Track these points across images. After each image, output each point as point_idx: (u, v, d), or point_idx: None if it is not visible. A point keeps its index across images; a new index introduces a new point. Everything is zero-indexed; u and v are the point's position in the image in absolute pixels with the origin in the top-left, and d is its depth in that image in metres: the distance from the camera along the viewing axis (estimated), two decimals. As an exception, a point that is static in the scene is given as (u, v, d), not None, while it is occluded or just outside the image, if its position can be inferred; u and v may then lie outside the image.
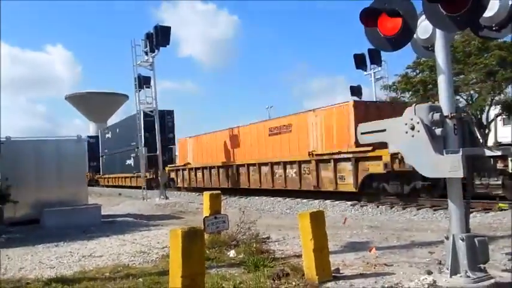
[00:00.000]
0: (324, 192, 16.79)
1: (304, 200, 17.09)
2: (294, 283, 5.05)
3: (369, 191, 15.16)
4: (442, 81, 4.60)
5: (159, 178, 23.47)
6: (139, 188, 30.16)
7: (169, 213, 16.55)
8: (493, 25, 4.42)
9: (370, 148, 14.08)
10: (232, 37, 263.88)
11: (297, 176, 17.90)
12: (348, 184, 15.55)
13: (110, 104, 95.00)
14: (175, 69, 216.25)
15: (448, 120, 4.47)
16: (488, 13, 4.25)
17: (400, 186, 14.09)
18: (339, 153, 15.81)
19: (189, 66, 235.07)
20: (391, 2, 4.56)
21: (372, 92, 28.01)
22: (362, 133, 5.11)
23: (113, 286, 5.44)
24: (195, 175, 26.29)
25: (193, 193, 24.57)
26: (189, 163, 27.41)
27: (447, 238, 4.58)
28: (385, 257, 6.40)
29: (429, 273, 5.04)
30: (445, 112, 4.49)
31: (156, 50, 21.39)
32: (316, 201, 16.53)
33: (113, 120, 74.44)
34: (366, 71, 27.04)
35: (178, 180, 28.67)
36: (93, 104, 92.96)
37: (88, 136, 39.83)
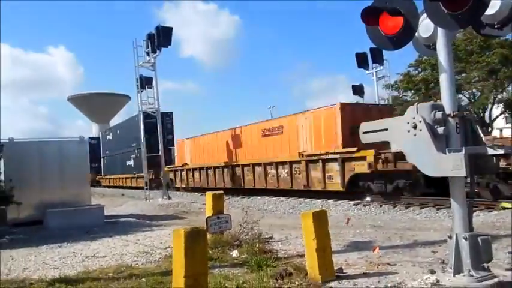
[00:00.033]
0: (314, 191, 17.31)
1: (307, 200, 17.09)
2: (297, 283, 5.05)
3: (355, 190, 15.61)
4: (444, 79, 4.59)
5: (161, 178, 23.59)
6: (139, 188, 31.09)
7: (172, 214, 16.57)
8: (495, 23, 4.40)
9: (355, 149, 14.87)
10: (233, 37, 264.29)
11: (288, 176, 18.50)
12: (336, 183, 16.14)
13: (112, 104, 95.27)
14: (176, 69, 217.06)
15: (450, 119, 4.46)
16: (490, 11, 4.24)
17: (384, 185, 14.65)
18: (327, 153, 16.37)
19: (191, 66, 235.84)
20: (392, 1, 4.55)
21: (374, 91, 27.96)
22: (364, 132, 5.10)
23: (116, 286, 5.45)
24: (193, 175, 26.92)
25: (196, 193, 24.62)
26: (186, 164, 27.95)
27: (450, 237, 4.56)
28: (388, 256, 6.39)
29: (432, 272, 5.03)
30: (448, 111, 4.48)
31: (157, 51, 21.43)
32: (319, 200, 16.55)
33: (115, 120, 74.80)
34: (367, 70, 26.99)
35: (177, 181, 28.99)
36: (95, 105, 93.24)
37: (89, 138, 40.11)
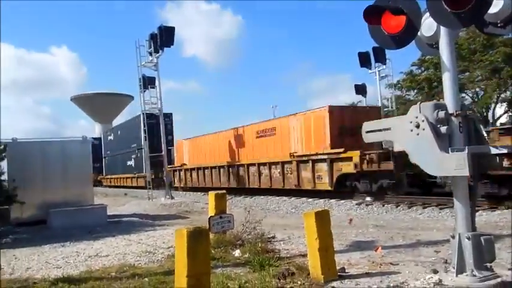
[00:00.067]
0: (304, 191, 17.88)
1: (310, 200, 17.09)
2: (299, 282, 5.04)
3: (343, 189, 16.23)
4: (446, 78, 4.57)
5: (163, 178, 23.66)
6: (140, 187, 31.93)
7: (174, 213, 16.59)
8: (498, 21, 4.39)
9: (342, 150, 15.66)
10: (236, 37, 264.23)
11: (280, 175, 19.14)
12: (325, 183, 16.74)
13: (115, 104, 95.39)
14: (179, 69, 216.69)
15: (453, 118, 4.45)
16: (493, 9, 4.22)
17: (369, 184, 15.23)
18: (316, 154, 17.01)
19: (193, 66, 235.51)
20: (394, 0, 4.55)
21: (377, 90, 27.90)
22: (367, 132, 5.09)
23: (119, 286, 5.46)
24: (191, 175, 27.50)
25: (199, 193, 24.68)
26: (185, 164, 28.43)
27: (453, 237, 4.55)
28: (390, 256, 6.38)
29: (435, 272, 5.02)
30: (450, 110, 4.47)
31: (160, 51, 21.43)
32: (322, 200, 16.56)
33: (118, 120, 74.90)
34: (370, 69, 26.91)
35: (176, 180, 29.30)
36: (98, 104, 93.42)
37: (92, 138, 40.56)
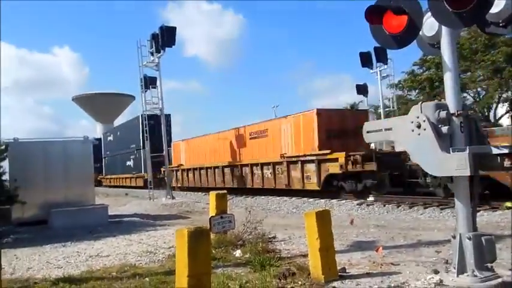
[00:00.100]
0: (294, 190, 18.51)
1: (311, 200, 17.09)
2: (300, 282, 5.04)
3: (330, 189, 16.88)
4: (448, 78, 4.57)
5: (161, 178, 23.77)
6: (138, 187, 32.62)
7: (175, 213, 16.60)
8: (500, 21, 4.38)
9: (328, 151, 16.34)
10: (237, 37, 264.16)
11: (272, 176, 19.77)
12: (313, 183, 17.34)
13: (117, 104, 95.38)
14: (180, 69, 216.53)
15: (454, 118, 4.45)
16: (495, 9, 4.22)
17: (354, 184, 15.83)
18: (305, 155, 17.65)
19: (195, 66, 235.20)
20: (396, 0, 4.54)
21: (378, 90, 27.91)
22: (368, 132, 5.09)
23: (120, 286, 5.47)
24: (187, 175, 28.09)
25: (200, 193, 24.72)
26: (182, 164, 28.94)
27: (454, 237, 4.55)
28: (391, 256, 6.37)
29: (436, 272, 5.02)
30: (452, 110, 4.47)
31: (161, 51, 21.42)
32: (323, 200, 16.57)
33: (119, 120, 75.01)
34: (371, 69, 26.88)
35: (173, 180, 29.29)
36: (99, 104, 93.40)
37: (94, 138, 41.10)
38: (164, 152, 23.53)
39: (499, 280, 4.34)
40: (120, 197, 27.91)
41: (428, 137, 4.38)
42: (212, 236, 6.60)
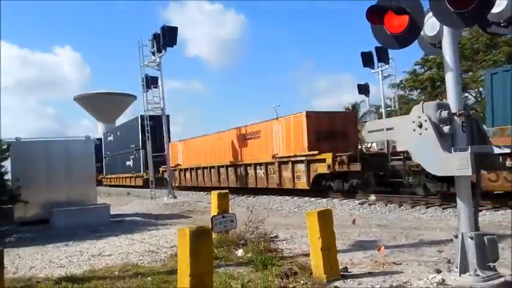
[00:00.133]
0: (285, 189, 19.17)
1: (312, 199, 17.10)
2: (302, 282, 5.05)
3: (319, 188, 17.55)
4: (449, 78, 4.57)
5: (166, 177, 23.85)
6: (138, 187, 33.40)
7: (177, 213, 16.61)
8: (501, 21, 4.38)
9: (317, 152, 17.01)
10: (239, 37, 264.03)
11: (264, 176, 20.46)
12: (303, 183, 18.01)
13: (118, 104, 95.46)
14: (182, 69, 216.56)
15: (456, 118, 4.45)
16: (496, 9, 4.22)
17: (341, 183, 16.46)
18: (295, 156, 18.34)
19: (196, 66, 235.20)
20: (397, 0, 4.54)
21: (380, 90, 27.89)
22: (369, 131, 5.09)
23: (122, 285, 5.48)
24: (184, 175, 28.75)
25: (202, 192, 24.76)
26: (179, 164, 29.43)
27: (456, 237, 4.55)
28: (393, 255, 6.37)
29: (438, 271, 5.01)
30: (453, 109, 4.47)
31: (163, 50, 21.44)
32: (324, 199, 16.59)
33: (121, 120, 75.07)
34: (373, 69, 26.87)
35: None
36: (101, 104, 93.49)
37: (96, 138, 41.59)
38: (166, 152, 23.57)
39: (502, 280, 4.34)
40: (122, 196, 27.96)
41: (429, 136, 4.38)
42: (214, 235, 6.61)
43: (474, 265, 4.33)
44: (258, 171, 21.00)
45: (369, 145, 19.96)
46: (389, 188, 15.59)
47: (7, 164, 11.90)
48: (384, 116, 27.08)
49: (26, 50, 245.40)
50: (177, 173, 29.40)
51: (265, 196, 19.80)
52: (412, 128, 4.53)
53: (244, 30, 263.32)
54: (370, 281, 5.02)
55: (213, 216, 7.43)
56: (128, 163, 37.89)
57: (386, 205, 13.97)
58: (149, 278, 5.65)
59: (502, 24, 4.40)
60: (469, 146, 4.24)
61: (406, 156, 13.79)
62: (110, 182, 43.63)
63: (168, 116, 36.27)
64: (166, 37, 20.91)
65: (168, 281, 5.37)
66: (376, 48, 25.44)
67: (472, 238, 4.37)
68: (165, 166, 29.96)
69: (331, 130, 18.12)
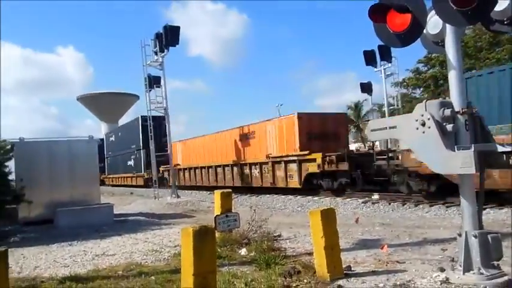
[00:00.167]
0: (279, 188, 19.87)
1: (316, 198, 17.12)
2: (305, 281, 5.05)
3: (310, 187, 18.16)
4: (452, 76, 4.56)
5: (165, 177, 23.99)
6: (139, 186, 34.12)
7: (180, 212, 16.64)
8: (504, 19, 4.37)
9: (307, 152, 17.72)
10: (241, 36, 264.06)
11: (259, 175, 21.22)
12: (295, 181, 18.73)
13: (121, 104, 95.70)
14: (184, 68, 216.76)
15: (459, 116, 4.44)
16: (499, 7, 4.21)
17: (331, 182, 17.11)
18: (287, 156, 19.08)
19: (199, 65, 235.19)
20: (400, -2, 4.54)
21: (383, 89, 27.83)
22: (372, 130, 5.09)
23: (126, 284, 5.50)
24: (183, 175, 29.36)
25: (205, 192, 24.79)
26: (178, 164, 29.72)
27: (460, 235, 4.55)
28: (397, 254, 6.37)
29: (442, 270, 5.00)
30: (456, 108, 4.46)
31: (165, 50, 21.44)
32: (328, 198, 16.60)
33: (124, 120, 75.22)
34: (376, 67, 26.82)
35: (170, 179, 29.68)
36: (104, 104, 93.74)
37: (100, 139, 42.03)
38: (169, 151, 23.61)
39: (505, 278, 4.33)
40: (125, 196, 28.03)
41: (433, 135, 4.37)
42: (217, 234, 6.61)
43: (478, 263, 4.33)
44: (253, 170, 21.66)
45: (371, 144, 20.23)
46: (378, 186, 16.19)
47: (11, 164, 11.94)
48: (386, 114, 27.02)
49: (28, 50, 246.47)
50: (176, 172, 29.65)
51: (268, 195, 19.83)
52: (415, 126, 4.52)
53: (247, 30, 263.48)
54: (373, 279, 5.01)
55: (217, 215, 7.44)
56: (129, 163, 38.45)
57: (389, 204, 13.95)
58: (153, 277, 5.66)
59: (505, 22, 4.39)
60: (473, 144, 4.23)
61: (390, 156, 14.65)
62: (112, 181, 44.19)
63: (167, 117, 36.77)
64: (169, 36, 20.91)
65: (171, 280, 5.38)
66: (379, 47, 25.38)
67: (475, 236, 4.36)
68: (165, 166, 30.32)
69: (323, 131, 18.76)
